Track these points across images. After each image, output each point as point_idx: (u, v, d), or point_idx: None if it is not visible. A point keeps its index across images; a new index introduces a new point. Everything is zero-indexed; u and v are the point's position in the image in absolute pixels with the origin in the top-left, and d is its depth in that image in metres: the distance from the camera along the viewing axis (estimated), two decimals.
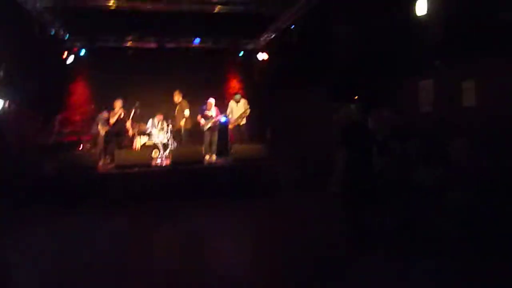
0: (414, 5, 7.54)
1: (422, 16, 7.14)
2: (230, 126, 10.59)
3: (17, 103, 9.58)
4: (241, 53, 13.16)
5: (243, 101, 10.45)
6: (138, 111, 10.68)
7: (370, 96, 9.17)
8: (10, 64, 9.32)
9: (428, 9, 7.15)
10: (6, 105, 8.95)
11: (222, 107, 11.15)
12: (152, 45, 12.09)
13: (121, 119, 10.13)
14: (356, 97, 9.57)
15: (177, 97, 10.22)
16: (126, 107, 10.36)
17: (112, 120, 9.99)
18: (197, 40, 12.20)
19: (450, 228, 5.01)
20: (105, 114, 10.49)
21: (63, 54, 11.53)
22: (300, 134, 11.05)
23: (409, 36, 8.00)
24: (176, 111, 10.26)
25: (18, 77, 9.79)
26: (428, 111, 8.22)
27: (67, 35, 11.15)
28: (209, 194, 8.20)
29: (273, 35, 11.68)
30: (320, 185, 9.19)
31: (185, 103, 10.24)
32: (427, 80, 8.34)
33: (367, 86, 9.35)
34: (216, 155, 10.40)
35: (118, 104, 10.05)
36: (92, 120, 10.91)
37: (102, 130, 10.25)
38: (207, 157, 9.91)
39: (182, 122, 10.21)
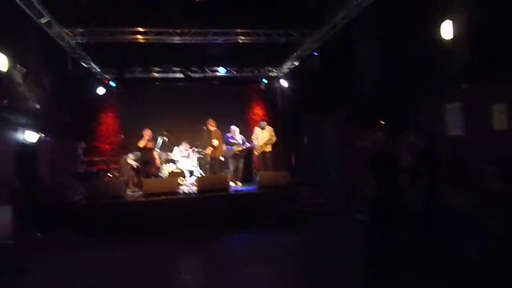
0: (440, 27, 7.55)
1: (448, 38, 7.12)
2: (255, 153, 10.64)
3: (50, 134, 9.98)
4: (265, 81, 13.36)
5: (268, 128, 10.51)
6: (165, 139, 10.95)
7: (396, 121, 9.08)
8: (46, 96, 9.79)
9: (454, 31, 7.13)
10: (41, 136, 9.31)
11: (247, 134, 11.28)
12: (178, 75, 12.44)
13: (149, 147, 10.37)
14: (382, 122, 9.50)
15: (210, 126, 10.36)
16: (154, 136, 10.63)
17: (141, 145, 10.23)
18: (222, 70, 12.47)
19: (483, 255, 4.82)
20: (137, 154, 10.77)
21: (94, 86, 12.02)
22: (324, 160, 11.00)
23: (435, 59, 7.94)
24: (206, 139, 10.40)
25: (52, 109, 10.25)
26: (457, 135, 8.03)
27: (98, 68, 11.65)
28: (235, 221, 8.20)
29: (296, 62, 11.83)
30: (345, 211, 9.10)
31: (216, 133, 10.34)
32: (455, 103, 8.19)
33: (393, 111, 9.27)
34: (242, 182, 10.44)
35: (147, 133, 10.31)
36: (120, 149, 11.21)
37: (126, 159, 10.53)
38: (232, 184, 9.95)
39: (209, 150, 10.34)
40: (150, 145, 10.40)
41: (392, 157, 4.68)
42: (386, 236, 4.60)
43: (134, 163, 10.42)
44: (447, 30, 7.24)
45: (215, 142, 10.17)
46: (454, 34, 7.02)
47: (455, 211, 5.70)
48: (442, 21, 7.48)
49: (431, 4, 7.85)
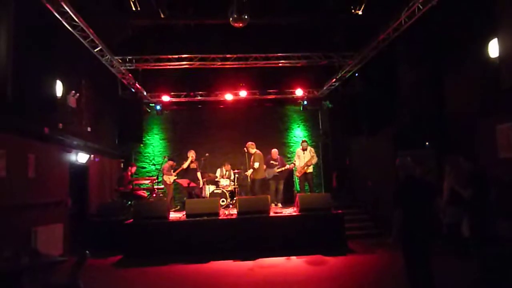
0: (487, 46, 7.31)
1: (496, 57, 6.86)
2: (297, 174, 10.60)
3: (100, 155, 10.50)
4: (305, 102, 13.40)
5: (309, 149, 10.47)
6: (206, 161, 11.22)
7: (442, 142, 8.77)
8: (96, 120, 10.37)
9: (501, 49, 6.87)
10: (91, 157, 9.83)
11: (287, 155, 11.30)
12: (221, 98, 12.77)
13: (193, 168, 10.69)
14: (427, 143, 9.20)
15: (250, 149, 10.49)
16: (198, 157, 10.93)
17: (185, 166, 10.59)
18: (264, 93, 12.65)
19: None
20: (169, 163, 11.18)
21: (141, 110, 12.57)
22: (366, 182, 10.76)
23: (484, 78, 7.66)
24: (248, 161, 10.52)
25: (102, 132, 10.83)
26: (508, 157, 7.61)
27: (145, 92, 12.22)
28: (274, 244, 8.16)
29: (337, 84, 11.79)
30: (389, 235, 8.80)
31: (257, 155, 10.44)
32: (506, 123, 7.80)
33: (438, 132, 8.97)
34: (282, 203, 10.40)
35: (191, 154, 10.66)
36: (164, 169, 11.58)
37: (167, 179, 10.89)
38: (273, 205, 9.94)
39: (249, 172, 10.44)
40: (194, 165, 10.73)
41: (421, 185, 4.48)
42: (430, 264, 4.40)
43: (168, 179, 10.81)
44: (494, 48, 6.99)
45: (256, 164, 10.25)
46: (501, 52, 6.76)
47: (508, 240, 5.36)
48: (490, 39, 7.25)
49: (479, 22, 7.64)
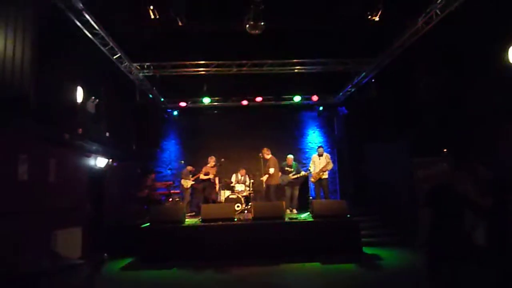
0: (507, 50, 7.19)
1: None
2: (312, 180, 10.57)
3: (118, 160, 10.68)
4: (321, 108, 13.38)
5: (325, 155, 10.43)
6: (222, 166, 11.31)
7: (461, 149, 8.62)
8: (115, 125, 10.55)
9: None
10: (110, 161, 10.00)
11: (303, 161, 11.27)
12: (236, 104, 12.86)
13: (211, 173, 10.84)
14: (445, 150, 9.07)
15: (266, 155, 10.53)
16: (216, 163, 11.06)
17: (203, 175, 10.83)
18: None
19: None
20: (188, 168, 11.34)
21: (159, 115, 12.77)
22: (384, 189, 10.64)
23: (504, 83, 7.53)
24: (263, 167, 10.55)
25: (120, 137, 11.01)
26: None
27: (162, 98, 12.40)
28: (290, 250, 8.14)
29: (353, 90, 11.75)
30: (406, 243, 8.71)
31: (272, 161, 10.47)
32: None
33: (458, 139, 8.83)
34: (297, 209, 10.37)
35: (212, 160, 10.81)
36: (181, 174, 11.72)
37: (185, 184, 11.04)
38: (288, 211, 9.93)
39: (265, 178, 10.46)
40: (213, 171, 10.87)
41: (452, 192, 4.44)
42: (451, 272, 4.34)
43: (186, 183, 10.98)
44: None
45: (271, 170, 10.27)
46: None
47: None
48: (509, 45, 7.14)
49: (497, 27, 7.53)
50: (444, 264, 4.30)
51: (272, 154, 10.56)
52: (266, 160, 10.46)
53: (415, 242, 8.27)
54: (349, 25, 9.13)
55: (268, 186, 10.51)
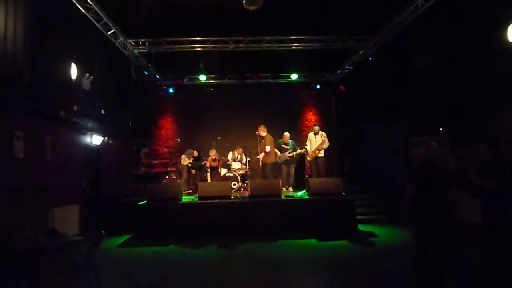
0: (506, 30, 7.13)
1: None
2: (308, 159, 10.60)
3: (114, 137, 10.65)
4: (318, 86, 13.29)
5: (321, 134, 10.43)
6: (218, 144, 11.31)
7: (457, 129, 8.65)
8: (110, 102, 10.47)
9: None
10: (105, 139, 9.97)
11: (299, 139, 11.27)
12: (234, 81, 12.74)
13: (215, 166, 10.93)
14: (441, 130, 9.09)
15: (262, 132, 10.50)
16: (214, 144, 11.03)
17: (212, 157, 10.87)
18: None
19: None
20: (195, 153, 11.30)
21: (154, 92, 12.67)
22: (379, 167, 10.72)
23: (503, 63, 7.48)
24: (259, 144, 10.55)
25: (116, 114, 10.94)
26: None
27: (158, 75, 12.26)
28: (286, 226, 8.25)
29: (350, 68, 11.65)
30: (401, 219, 8.84)
31: (268, 138, 10.46)
32: None
33: (453, 118, 8.84)
34: (293, 187, 10.45)
35: (213, 153, 10.89)
36: (177, 152, 11.72)
37: (183, 160, 11.01)
38: (284, 189, 10.00)
39: (261, 156, 10.47)
40: (214, 163, 10.96)
41: (438, 170, 4.50)
42: (440, 250, 4.43)
43: (185, 161, 10.95)
44: None
45: (267, 147, 10.28)
46: None
47: None
48: (509, 23, 7.06)
49: (497, 6, 7.42)
50: (430, 242, 4.39)
51: (268, 132, 10.55)
52: (262, 138, 10.45)
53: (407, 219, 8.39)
54: (348, 2, 9.00)
55: (264, 164, 10.53)
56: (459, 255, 5.70)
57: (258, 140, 10.48)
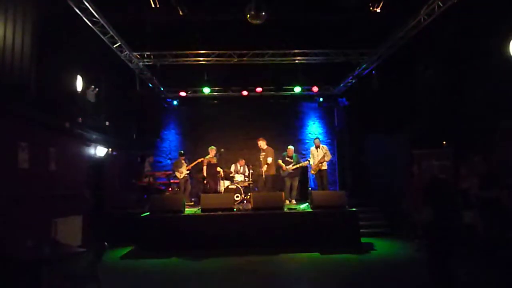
0: (508, 45, 7.18)
1: None
2: (312, 172, 10.60)
3: (118, 149, 10.69)
4: (321, 99, 13.34)
5: (322, 147, 10.45)
6: (222, 156, 11.31)
7: (460, 142, 8.64)
8: (115, 114, 10.55)
9: None
10: (109, 150, 10.01)
11: (302, 152, 11.27)
12: (237, 94, 12.82)
13: (213, 163, 10.82)
14: (444, 143, 9.09)
15: (262, 145, 10.55)
16: (217, 154, 11.04)
17: (212, 160, 10.87)
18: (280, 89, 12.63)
19: None
20: (178, 160, 11.25)
21: (159, 105, 12.76)
22: (384, 180, 10.68)
23: (504, 77, 7.53)
24: (261, 157, 10.58)
25: (120, 126, 11.01)
26: None
27: (162, 88, 12.36)
28: (289, 239, 8.20)
29: (354, 81, 11.71)
30: (403, 235, 8.77)
31: (270, 151, 10.50)
32: None
33: (457, 131, 8.84)
34: (296, 200, 10.42)
35: (213, 151, 10.80)
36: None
37: (178, 175, 10.95)
38: (287, 202, 9.97)
39: (264, 168, 10.48)
40: (214, 160, 10.85)
41: (447, 186, 4.44)
42: (447, 265, 4.38)
43: (184, 173, 10.95)
44: None
45: (269, 159, 10.30)
46: None
47: None
48: (510, 38, 7.12)
49: (499, 21, 7.49)
50: (447, 260, 4.31)
51: (272, 144, 10.57)
52: (262, 150, 10.49)
53: (410, 234, 8.32)
54: (351, 16, 9.09)
55: (267, 176, 10.54)
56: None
57: (262, 153, 10.52)
